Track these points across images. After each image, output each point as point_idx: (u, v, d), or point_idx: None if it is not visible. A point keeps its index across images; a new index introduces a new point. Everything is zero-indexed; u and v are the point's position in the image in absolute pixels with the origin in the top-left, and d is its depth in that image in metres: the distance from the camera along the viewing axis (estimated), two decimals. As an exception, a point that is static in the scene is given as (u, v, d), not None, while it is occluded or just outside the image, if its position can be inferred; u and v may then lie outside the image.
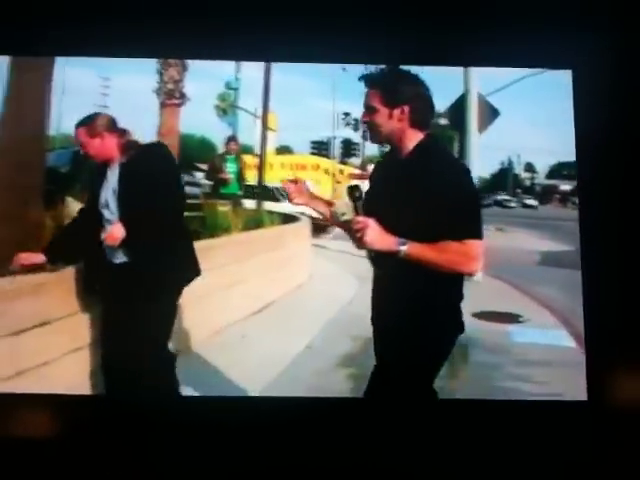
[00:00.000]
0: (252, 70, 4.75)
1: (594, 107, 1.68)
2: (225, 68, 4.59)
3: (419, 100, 1.47)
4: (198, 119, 4.74)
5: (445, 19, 1.71)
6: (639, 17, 1.66)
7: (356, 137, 5.69)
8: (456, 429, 1.58)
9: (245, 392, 2.11)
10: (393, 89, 1.46)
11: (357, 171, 5.90)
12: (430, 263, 1.36)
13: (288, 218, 3.56)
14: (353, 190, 1.44)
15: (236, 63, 4.67)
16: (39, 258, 1.90)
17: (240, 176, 3.77)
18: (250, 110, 4.83)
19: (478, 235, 1.39)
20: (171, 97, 4.12)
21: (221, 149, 4.03)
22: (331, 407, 1.74)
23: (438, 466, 1.55)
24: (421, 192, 1.38)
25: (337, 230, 2.00)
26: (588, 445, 1.53)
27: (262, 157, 4.48)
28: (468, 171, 1.48)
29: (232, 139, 3.89)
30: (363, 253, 1.41)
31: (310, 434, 1.63)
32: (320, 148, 5.27)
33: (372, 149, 5.84)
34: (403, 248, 1.35)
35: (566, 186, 5.75)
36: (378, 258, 1.45)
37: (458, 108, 4.51)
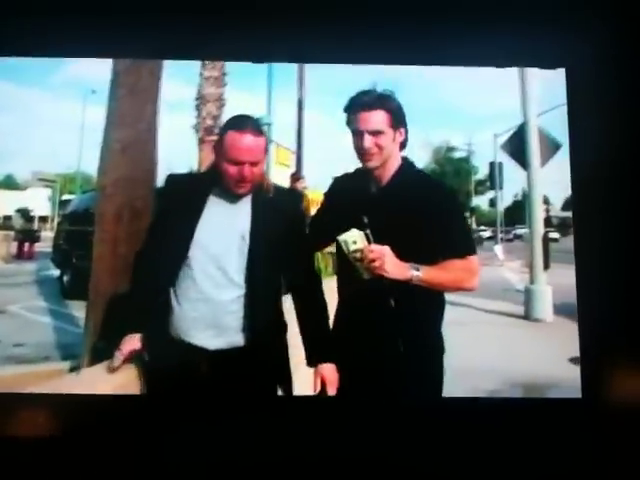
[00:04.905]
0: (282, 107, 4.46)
1: (588, 105, 1.69)
2: (259, 103, 4.26)
3: (406, 124, 1.48)
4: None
5: (437, 18, 1.69)
6: (633, 15, 1.66)
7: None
8: (450, 428, 1.54)
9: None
10: (398, 111, 1.45)
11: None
12: (439, 285, 1.39)
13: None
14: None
15: (268, 99, 4.36)
16: None
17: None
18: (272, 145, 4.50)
19: (475, 250, 1.44)
20: (210, 133, 3.85)
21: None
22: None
23: (432, 464, 1.51)
24: (416, 216, 1.39)
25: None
26: (582, 443, 1.52)
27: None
28: (449, 188, 1.57)
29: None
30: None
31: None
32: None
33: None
34: (417, 273, 1.34)
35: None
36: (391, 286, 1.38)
37: (515, 140, 4.27)
